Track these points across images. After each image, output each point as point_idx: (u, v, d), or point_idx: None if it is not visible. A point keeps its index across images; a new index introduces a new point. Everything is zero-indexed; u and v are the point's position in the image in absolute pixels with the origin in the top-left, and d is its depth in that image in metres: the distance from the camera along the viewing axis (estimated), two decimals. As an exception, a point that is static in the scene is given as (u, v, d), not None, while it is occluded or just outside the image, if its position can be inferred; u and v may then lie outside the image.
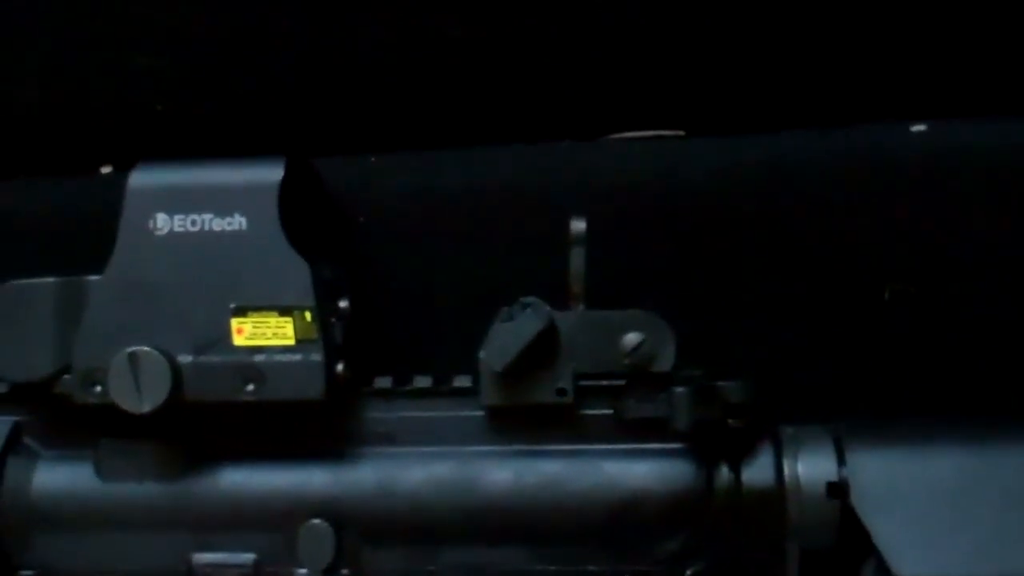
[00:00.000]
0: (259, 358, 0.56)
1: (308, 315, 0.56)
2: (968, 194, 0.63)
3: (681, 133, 0.66)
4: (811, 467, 0.55)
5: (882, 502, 0.53)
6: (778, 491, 0.55)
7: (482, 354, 0.56)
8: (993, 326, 0.63)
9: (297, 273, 0.56)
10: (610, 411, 0.57)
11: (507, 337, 0.55)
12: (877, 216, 0.63)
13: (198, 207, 0.56)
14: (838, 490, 0.54)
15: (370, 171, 0.66)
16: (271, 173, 0.56)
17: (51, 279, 0.57)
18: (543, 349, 0.55)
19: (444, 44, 0.66)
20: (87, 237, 0.60)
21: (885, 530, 0.53)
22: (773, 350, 0.64)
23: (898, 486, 0.54)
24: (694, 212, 0.64)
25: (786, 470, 0.55)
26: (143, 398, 0.55)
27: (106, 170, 0.69)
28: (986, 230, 0.63)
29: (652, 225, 0.64)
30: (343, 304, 0.59)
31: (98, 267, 0.57)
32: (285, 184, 0.56)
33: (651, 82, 0.66)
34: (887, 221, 0.63)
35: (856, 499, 0.54)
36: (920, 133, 0.64)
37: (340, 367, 0.57)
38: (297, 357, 0.56)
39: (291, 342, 0.56)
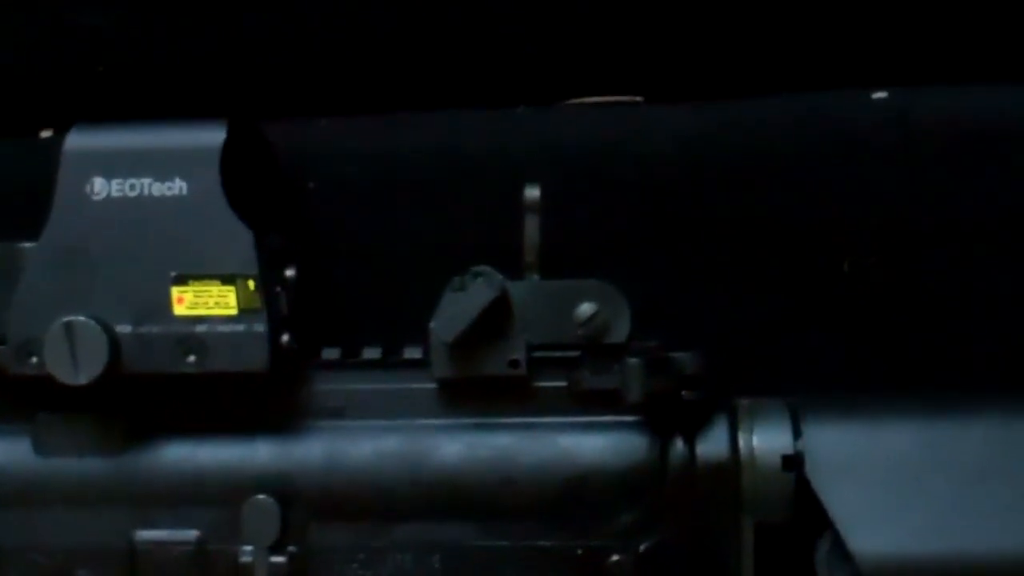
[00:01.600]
0: (200, 328, 0.54)
1: (251, 284, 0.54)
2: (930, 162, 0.62)
3: (639, 99, 0.65)
4: (766, 440, 0.54)
5: (838, 476, 0.53)
6: (733, 464, 0.54)
7: (433, 325, 0.55)
8: (953, 298, 0.62)
9: (240, 240, 0.54)
10: (563, 383, 0.55)
11: (458, 307, 0.54)
12: (837, 184, 0.63)
13: (137, 171, 0.54)
14: (793, 463, 0.53)
15: (320, 135, 0.65)
16: (213, 136, 0.54)
17: (-17, 245, 0.55)
18: (495, 320, 0.54)
19: (399, 4, 0.64)
20: (22, 202, 0.58)
21: (840, 504, 0.52)
22: (729, 321, 0.63)
23: (854, 460, 0.53)
24: (651, 180, 0.63)
25: (741, 443, 0.54)
26: (80, 369, 0.53)
27: (46, 134, 0.67)
28: (947, 199, 0.62)
29: (608, 193, 0.63)
30: (289, 273, 0.58)
31: (33, 234, 0.55)
32: (227, 147, 0.54)
33: (609, 47, 0.65)
34: (847, 189, 0.63)
35: (811, 472, 0.53)
36: (881, 100, 0.63)
37: (285, 338, 0.56)
38: (240, 327, 0.54)
39: (233, 312, 0.54)
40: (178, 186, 0.54)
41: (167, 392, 0.55)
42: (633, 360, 0.53)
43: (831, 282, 0.63)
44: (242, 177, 0.56)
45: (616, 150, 0.63)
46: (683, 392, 0.54)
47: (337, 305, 0.63)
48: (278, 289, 0.56)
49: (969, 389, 0.59)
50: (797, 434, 0.54)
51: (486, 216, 0.62)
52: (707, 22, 0.64)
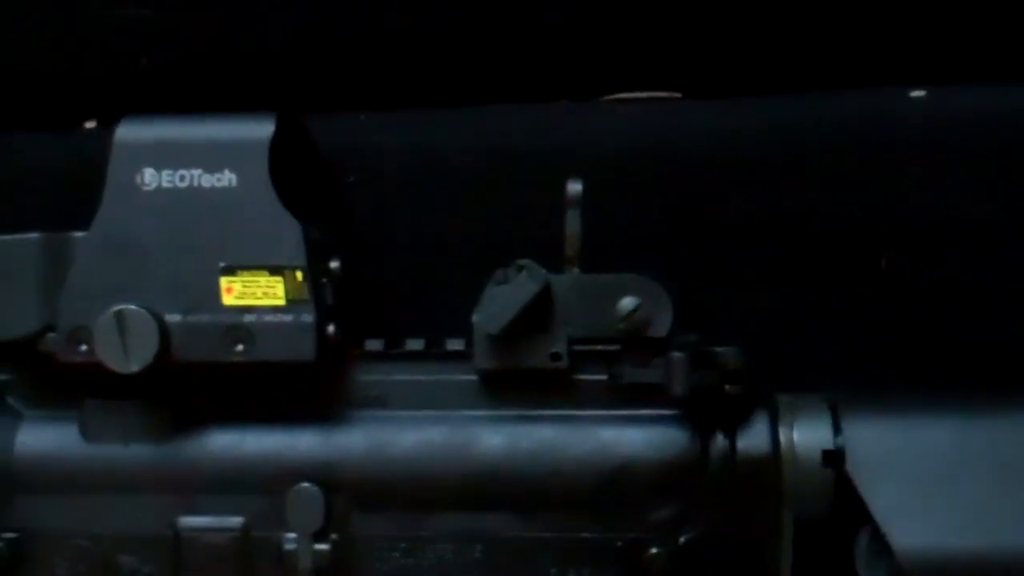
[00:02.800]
0: (248, 318, 0.55)
1: (299, 275, 0.55)
2: (967, 161, 0.63)
3: (678, 95, 0.65)
4: (807, 435, 0.54)
5: (878, 471, 0.53)
6: (773, 459, 0.54)
7: (476, 317, 0.55)
8: (990, 296, 0.63)
9: (288, 232, 0.55)
10: (605, 376, 0.56)
11: (501, 300, 0.54)
12: (874, 182, 0.63)
13: (187, 163, 0.55)
14: (834, 458, 0.54)
15: (361, 129, 0.65)
16: (262, 129, 0.55)
17: (35, 235, 0.56)
18: (538, 313, 0.55)
19: (439, 1, 0.64)
20: (72, 193, 0.59)
21: (881, 500, 0.52)
22: (769, 317, 0.63)
23: (894, 456, 0.53)
24: (691, 175, 0.63)
25: (782, 438, 0.55)
26: (130, 357, 0.54)
27: (90, 125, 0.67)
28: (984, 198, 0.62)
29: (648, 188, 0.63)
30: (334, 264, 0.58)
31: (84, 223, 0.55)
32: (276, 140, 0.55)
33: (648, 42, 0.65)
34: (884, 187, 0.63)
35: (852, 468, 0.53)
36: (919, 99, 0.63)
37: (331, 328, 0.56)
38: (288, 318, 0.55)
39: (281, 302, 0.55)
40: (227, 178, 0.55)
41: (214, 380, 0.56)
42: (677, 354, 0.53)
43: (868, 279, 0.63)
44: (289, 169, 0.56)
45: (655, 145, 0.64)
46: (725, 386, 0.54)
47: (380, 297, 0.64)
48: (324, 280, 0.57)
49: (1007, 385, 0.59)
50: (837, 430, 0.54)
51: (526, 210, 0.62)
52: (746, 19, 0.64)
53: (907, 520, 0.52)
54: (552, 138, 0.64)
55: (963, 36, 0.64)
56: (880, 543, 0.53)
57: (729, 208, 0.63)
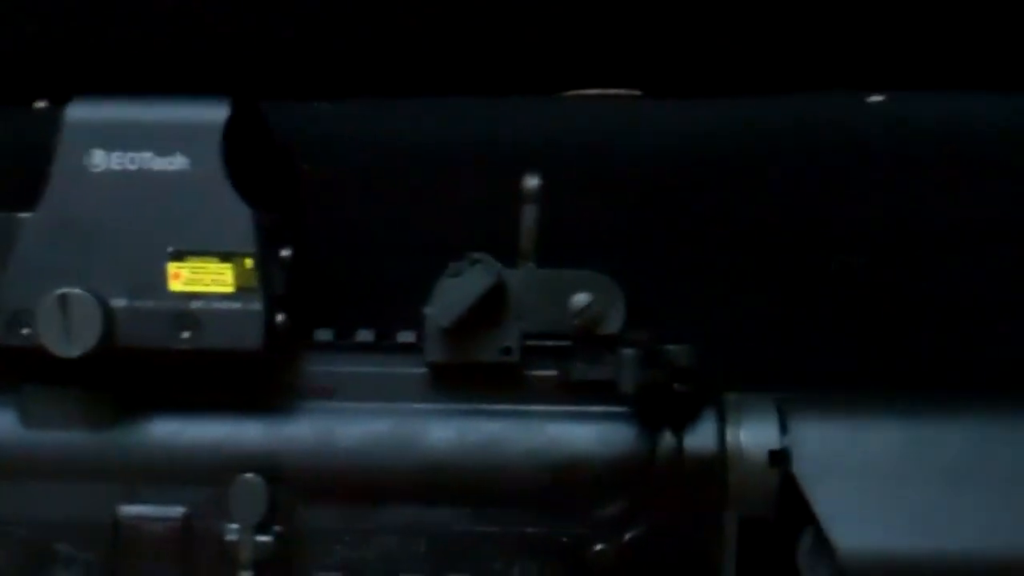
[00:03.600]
0: (196, 305, 0.54)
1: (249, 262, 0.54)
2: (923, 166, 0.63)
3: (637, 93, 0.65)
4: (753, 435, 0.55)
5: (823, 472, 0.53)
6: (720, 458, 0.55)
7: (428, 309, 0.55)
8: (942, 300, 0.63)
9: (239, 218, 0.54)
10: (555, 372, 0.56)
11: (454, 293, 0.54)
12: (830, 185, 0.63)
13: (137, 145, 0.54)
14: (780, 458, 0.54)
15: (318, 118, 0.65)
16: (216, 112, 0.54)
17: (-22, 215, 0.55)
18: (490, 306, 0.54)
19: (399, -9, 0.64)
20: (19, 173, 0.58)
21: (825, 500, 0.53)
22: (718, 317, 0.63)
23: (840, 457, 0.54)
24: (648, 173, 0.63)
25: (728, 437, 0.55)
26: (73, 342, 0.53)
27: (41, 104, 0.66)
28: (940, 203, 0.63)
29: (605, 185, 0.63)
30: (285, 253, 0.57)
31: (30, 204, 0.54)
32: (230, 125, 0.54)
33: (610, 40, 0.65)
34: (840, 191, 0.63)
35: (797, 468, 0.54)
36: (877, 103, 0.64)
37: (280, 317, 0.56)
38: (236, 305, 0.54)
39: (230, 289, 0.54)
40: (179, 161, 0.54)
41: (159, 367, 0.55)
42: (628, 351, 0.53)
43: (820, 281, 0.63)
44: (242, 155, 0.56)
45: (613, 143, 0.64)
46: (675, 384, 0.54)
47: (331, 288, 0.63)
48: (274, 269, 0.56)
49: (954, 388, 0.59)
50: (784, 430, 0.54)
51: (482, 204, 0.62)
52: (708, 19, 0.64)
53: (851, 521, 0.52)
54: (510, 132, 0.64)
55: (922, 43, 0.65)
56: (823, 544, 0.53)
57: (684, 207, 0.63)
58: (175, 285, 0.54)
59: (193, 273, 0.54)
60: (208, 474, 0.55)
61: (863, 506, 0.53)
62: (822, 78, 0.65)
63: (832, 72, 0.65)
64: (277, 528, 0.55)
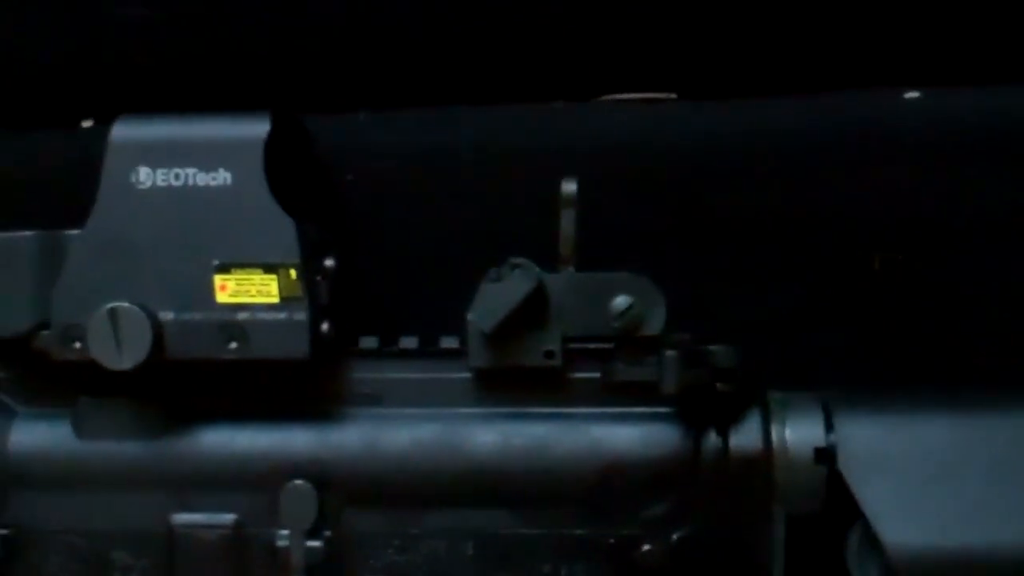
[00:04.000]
0: (242, 316, 0.55)
1: (293, 272, 0.55)
2: (960, 163, 0.63)
3: (673, 96, 0.66)
4: (799, 433, 0.54)
5: (869, 469, 0.53)
6: (765, 456, 0.55)
7: (470, 315, 0.55)
8: (984, 296, 0.63)
9: (282, 230, 0.55)
10: (598, 374, 0.56)
11: (496, 298, 0.54)
12: (868, 183, 0.63)
13: (182, 161, 0.55)
14: (826, 456, 0.54)
15: (358, 129, 0.65)
16: (257, 128, 0.55)
17: (30, 232, 0.56)
18: (532, 311, 0.55)
19: (436, 0, 0.65)
20: (68, 191, 0.59)
21: (872, 497, 0.53)
22: (762, 316, 0.63)
23: (886, 453, 0.53)
24: (685, 175, 0.64)
25: (774, 435, 0.55)
26: (123, 355, 0.54)
27: (87, 124, 0.68)
28: (978, 199, 0.63)
29: (642, 188, 0.64)
30: (329, 263, 0.58)
31: (79, 221, 0.56)
32: (271, 139, 0.55)
33: (644, 43, 0.65)
34: (878, 189, 0.63)
35: (843, 465, 0.53)
36: (913, 100, 0.64)
37: (325, 326, 0.56)
38: (281, 315, 0.55)
39: (275, 300, 0.55)
40: (222, 176, 0.55)
41: (208, 378, 0.56)
42: (670, 352, 0.54)
43: (861, 278, 0.63)
44: (284, 168, 0.56)
45: (650, 146, 0.64)
46: (717, 384, 0.54)
47: (375, 296, 0.64)
48: (318, 278, 0.57)
49: (999, 384, 0.59)
50: (829, 427, 0.54)
51: (521, 209, 0.63)
52: (743, 20, 0.64)
53: (898, 517, 0.52)
54: (548, 137, 0.64)
55: (958, 38, 0.64)
56: (872, 540, 0.53)
57: (723, 208, 0.63)
58: (222, 297, 0.55)
59: (239, 285, 0.55)
60: (258, 481, 0.56)
61: (911, 502, 0.52)
62: (858, 76, 0.64)
63: (868, 69, 0.65)
64: (327, 533, 0.56)
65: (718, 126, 0.64)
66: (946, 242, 0.63)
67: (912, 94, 0.64)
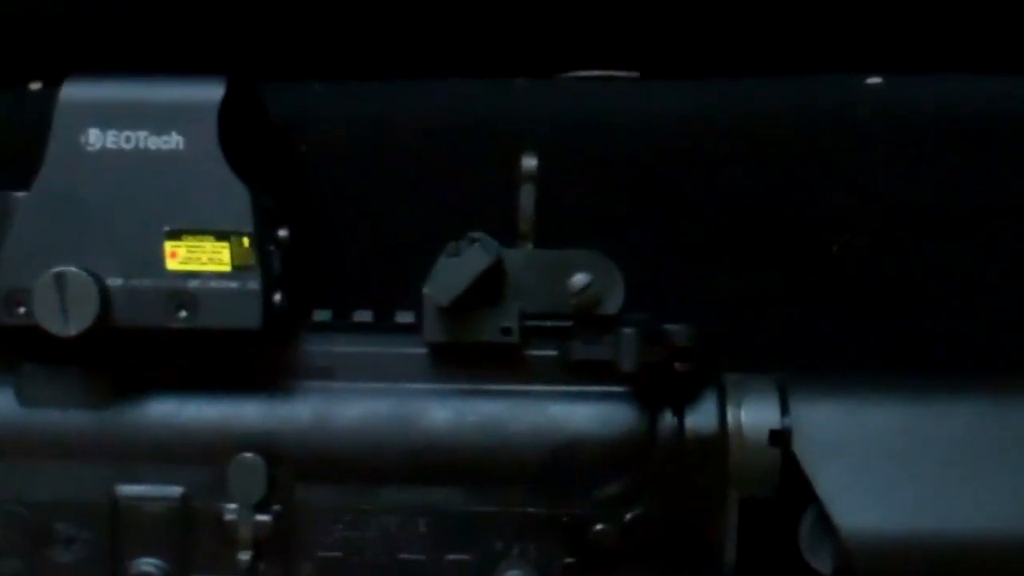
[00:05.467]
0: (193, 284, 0.54)
1: (246, 241, 0.54)
2: (921, 149, 0.63)
3: (635, 74, 0.65)
4: (754, 415, 0.54)
5: (825, 452, 0.53)
6: (720, 438, 0.54)
7: (426, 289, 0.54)
8: (940, 281, 0.63)
9: (236, 197, 0.54)
10: (555, 352, 0.56)
11: (453, 272, 0.54)
12: (829, 166, 0.63)
13: (133, 123, 0.54)
14: (780, 438, 0.54)
15: (315, 99, 0.64)
16: (212, 91, 0.54)
17: (-27, 194, 0.55)
18: (489, 286, 0.54)
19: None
20: (14, 152, 0.57)
21: (826, 480, 0.53)
22: (718, 298, 0.63)
23: (841, 437, 0.54)
24: (646, 154, 0.63)
25: (729, 417, 0.55)
26: (69, 321, 0.53)
27: (35, 86, 0.66)
28: (938, 185, 0.63)
29: (603, 166, 0.63)
30: (282, 233, 0.57)
31: (25, 183, 0.54)
32: (226, 104, 0.54)
33: (608, 21, 0.65)
34: (839, 172, 0.63)
35: (798, 448, 0.53)
36: (875, 86, 0.64)
37: (278, 297, 0.55)
38: (233, 284, 0.54)
39: (227, 268, 0.54)
40: (175, 140, 0.54)
41: (156, 347, 0.55)
42: (628, 330, 0.53)
43: (820, 262, 0.63)
44: (238, 135, 0.55)
45: (611, 124, 0.64)
46: (675, 364, 0.54)
47: (328, 269, 0.63)
48: (271, 248, 0.56)
49: (955, 369, 0.59)
50: (785, 410, 0.54)
51: (481, 184, 0.62)
52: (706, 1, 0.64)
53: (852, 501, 0.52)
54: (509, 113, 0.64)
55: (920, 24, 0.64)
56: (825, 524, 0.53)
57: (683, 188, 0.63)
58: (172, 264, 0.54)
59: (190, 252, 0.54)
60: (206, 453, 0.55)
61: (865, 486, 0.52)
62: (820, 60, 0.65)
63: (830, 54, 0.65)
64: (276, 507, 0.55)
65: (680, 106, 0.64)
66: (906, 227, 0.63)
67: (874, 80, 0.64)
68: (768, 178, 0.63)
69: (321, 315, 0.57)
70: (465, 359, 0.55)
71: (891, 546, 0.52)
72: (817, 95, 0.64)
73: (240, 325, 0.54)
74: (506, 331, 0.55)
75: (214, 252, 0.54)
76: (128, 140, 0.54)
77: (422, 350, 0.56)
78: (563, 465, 0.55)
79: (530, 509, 0.55)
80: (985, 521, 0.52)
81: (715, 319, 0.59)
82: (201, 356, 0.55)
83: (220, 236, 0.54)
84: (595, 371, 0.55)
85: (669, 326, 0.54)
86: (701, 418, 0.55)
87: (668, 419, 0.55)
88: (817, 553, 0.54)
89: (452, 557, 0.55)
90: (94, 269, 0.53)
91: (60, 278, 0.53)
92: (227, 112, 0.54)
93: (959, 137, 0.63)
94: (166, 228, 0.54)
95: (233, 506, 0.54)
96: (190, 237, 0.54)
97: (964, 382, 0.55)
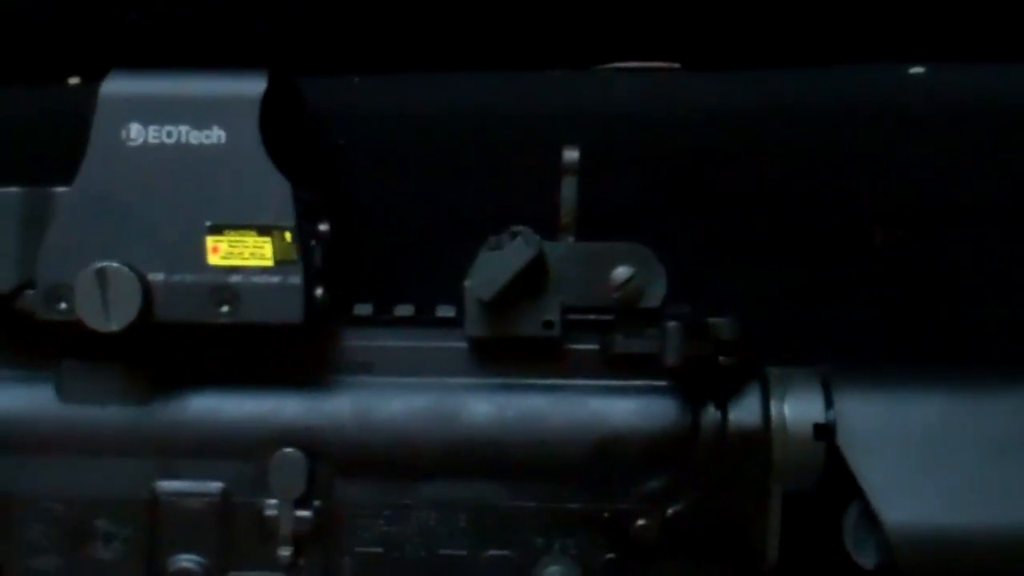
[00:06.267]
0: (234, 279, 0.54)
1: (288, 235, 0.54)
2: (964, 139, 0.62)
3: (676, 65, 0.65)
4: (798, 408, 0.54)
5: (869, 445, 0.53)
6: (764, 431, 0.54)
7: (468, 283, 0.54)
8: (984, 273, 0.62)
9: (277, 191, 0.54)
10: (597, 346, 0.55)
11: (495, 266, 0.53)
12: (871, 158, 0.62)
13: (174, 118, 0.54)
14: (824, 432, 0.53)
15: (354, 92, 0.64)
16: (254, 86, 0.54)
17: (15, 189, 0.54)
18: (531, 280, 0.54)
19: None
20: (55, 148, 0.57)
21: (871, 474, 0.52)
22: (761, 290, 0.63)
23: (885, 430, 0.53)
24: (687, 146, 0.63)
25: (773, 411, 0.54)
26: (111, 316, 0.53)
27: (74, 81, 0.66)
28: (980, 176, 0.62)
29: (644, 157, 0.63)
30: (323, 227, 0.57)
31: (67, 179, 0.54)
32: (268, 98, 0.54)
33: (647, 12, 0.64)
34: (881, 163, 0.62)
35: (842, 442, 0.53)
36: (918, 75, 0.63)
37: (319, 291, 0.55)
38: (275, 279, 0.54)
39: (269, 263, 0.54)
40: (216, 135, 0.53)
41: (198, 342, 0.55)
42: (671, 323, 0.53)
43: (862, 254, 0.63)
44: (279, 129, 0.55)
45: (652, 115, 0.63)
46: (719, 358, 0.54)
47: (370, 263, 0.63)
48: (313, 242, 0.55)
49: (999, 360, 0.59)
50: (828, 403, 0.54)
51: (522, 177, 0.62)
52: (746, -8, 0.64)
53: (897, 495, 0.52)
54: (549, 105, 0.63)
55: (963, 13, 0.64)
56: (870, 518, 0.52)
57: (725, 180, 0.63)
58: (213, 259, 0.54)
59: (231, 247, 0.54)
60: (247, 449, 0.55)
61: (909, 479, 0.52)
62: (863, 50, 0.64)
63: (873, 43, 0.64)
64: (316, 503, 0.55)
65: (721, 97, 0.63)
66: (948, 219, 0.62)
67: (917, 69, 0.63)
68: (810, 169, 0.63)
69: (362, 309, 0.57)
70: (506, 353, 0.55)
71: (936, 540, 0.52)
72: (860, 85, 0.63)
73: (282, 320, 0.54)
74: (548, 325, 0.55)
75: (256, 247, 0.54)
76: (169, 135, 0.54)
77: (463, 344, 0.55)
78: (605, 460, 0.54)
79: (571, 504, 0.54)
80: (1033, 515, 0.51)
81: (757, 312, 0.59)
82: (242, 351, 0.55)
83: (262, 231, 0.54)
84: (637, 365, 0.54)
85: (713, 319, 0.53)
86: (744, 412, 0.54)
87: (711, 413, 0.55)
88: (861, 548, 0.54)
89: (492, 553, 0.55)
90: (135, 264, 0.53)
91: (102, 273, 0.53)
92: (268, 106, 0.54)
93: (1002, 127, 0.62)
94: (208, 223, 0.54)
95: (273, 502, 0.54)
96: (232, 232, 0.54)
97: (1008, 373, 0.54)
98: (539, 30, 0.65)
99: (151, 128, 0.54)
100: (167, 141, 0.54)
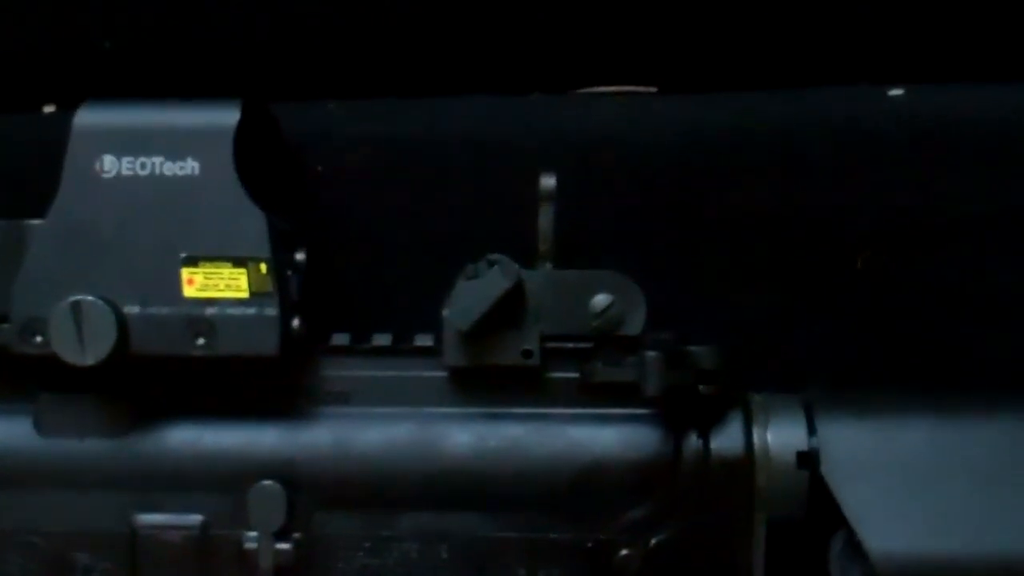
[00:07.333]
0: (210, 311, 0.53)
1: (263, 267, 0.53)
2: (944, 161, 0.62)
3: (653, 89, 0.64)
4: (781, 436, 0.54)
5: (852, 473, 0.52)
6: (747, 460, 0.54)
7: (446, 312, 0.54)
8: (966, 295, 0.62)
9: (252, 222, 0.53)
10: (576, 374, 0.55)
11: (472, 295, 0.53)
12: (852, 180, 0.62)
13: (148, 150, 0.53)
14: (808, 460, 0.53)
15: (329, 118, 0.64)
16: (227, 116, 0.53)
17: (-12, 222, 0.54)
18: (509, 309, 0.53)
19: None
20: (29, 179, 0.57)
21: (855, 501, 0.52)
22: (742, 315, 0.62)
23: (869, 457, 0.53)
24: (666, 170, 0.62)
25: (755, 439, 0.54)
26: (86, 350, 0.53)
27: (49, 109, 0.66)
28: (961, 197, 0.62)
29: (622, 183, 0.62)
30: (299, 256, 0.57)
31: (40, 211, 0.54)
32: (241, 128, 0.54)
33: (624, 36, 0.64)
34: (862, 186, 0.62)
35: (826, 470, 0.53)
36: (897, 97, 0.63)
37: (296, 322, 0.55)
38: (251, 311, 0.53)
39: (245, 295, 0.53)
40: (190, 166, 0.53)
41: (174, 375, 0.55)
42: (652, 353, 0.52)
43: (844, 277, 0.62)
44: (254, 158, 0.55)
45: (629, 140, 0.63)
46: (700, 386, 0.53)
47: (346, 292, 0.62)
48: (289, 273, 0.55)
49: (983, 387, 0.58)
50: (812, 431, 0.53)
51: (498, 204, 0.61)
52: (723, 14, 0.63)
53: (882, 523, 0.51)
54: (525, 131, 0.63)
55: (942, 36, 0.63)
56: (854, 546, 0.52)
57: (703, 205, 0.62)
58: (189, 291, 0.53)
59: (207, 279, 0.53)
60: (225, 481, 0.54)
61: (894, 507, 0.52)
62: (841, 72, 0.64)
63: (851, 66, 0.64)
64: (296, 535, 0.54)
65: (698, 121, 0.63)
66: (930, 240, 0.62)
67: (896, 91, 0.63)
68: (789, 193, 0.62)
69: (339, 339, 0.56)
70: (485, 382, 0.55)
71: (922, 568, 0.51)
72: (839, 108, 0.63)
73: (258, 352, 0.53)
74: (527, 354, 0.54)
75: (231, 278, 0.53)
76: (143, 166, 0.53)
77: (442, 374, 0.55)
78: (586, 490, 0.54)
79: (553, 534, 0.54)
80: (1018, 543, 0.51)
81: (738, 337, 0.59)
82: (219, 383, 0.55)
83: (237, 262, 0.53)
84: (618, 393, 0.54)
85: (693, 348, 0.53)
86: (727, 441, 0.54)
87: (693, 442, 0.54)
88: (847, 576, 0.53)
89: None
90: (111, 297, 0.53)
91: (77, 307, 0.53)
92: (242, 136, 0.54)
93: (981, 148, 0.62)
94: (183, 255, 0.53)
95: (253, 534, 0.54)
96: (207, 263, 0.53)
97: (993, 399, 0.54)
98: (516, 55, 0.64)
99: (125, 160, 0.53)
100: (141, 173, 0.53)
